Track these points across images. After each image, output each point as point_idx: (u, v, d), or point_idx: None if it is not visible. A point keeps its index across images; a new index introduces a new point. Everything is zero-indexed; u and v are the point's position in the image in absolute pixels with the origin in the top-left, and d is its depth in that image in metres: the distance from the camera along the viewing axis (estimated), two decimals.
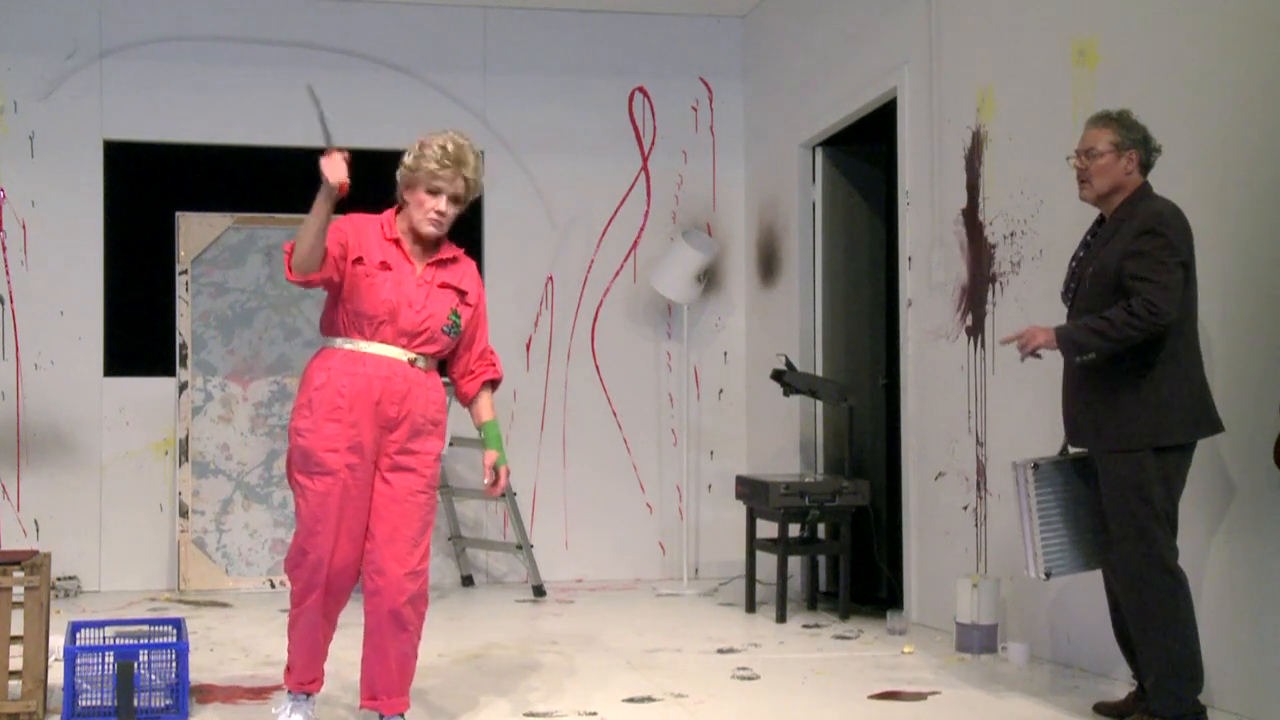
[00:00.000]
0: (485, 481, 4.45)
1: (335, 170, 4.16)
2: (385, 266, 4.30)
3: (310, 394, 4.30)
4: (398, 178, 4.37)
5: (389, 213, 4.42)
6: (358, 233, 4.33)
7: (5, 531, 7.86)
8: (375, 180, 8.88)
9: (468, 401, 4.54)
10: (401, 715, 4.42)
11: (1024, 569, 4.72)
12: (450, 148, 4.28)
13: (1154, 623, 4.33)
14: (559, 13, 8.64)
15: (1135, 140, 4.46)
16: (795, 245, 8.00)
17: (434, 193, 4.29)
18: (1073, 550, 4.68)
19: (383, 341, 4.29)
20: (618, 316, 8.69)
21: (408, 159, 4.33)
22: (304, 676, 4.49)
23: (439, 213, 4.30)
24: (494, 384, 4.56)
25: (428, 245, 4.39)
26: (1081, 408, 4.49)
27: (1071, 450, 4.74)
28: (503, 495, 4.54)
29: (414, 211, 4.32)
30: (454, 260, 4.44)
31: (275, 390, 8.19)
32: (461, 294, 4.41)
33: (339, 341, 4.33)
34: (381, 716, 4.41)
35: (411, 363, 4.32)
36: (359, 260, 4.29)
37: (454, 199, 4.31)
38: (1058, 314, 5.36)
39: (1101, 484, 4.47)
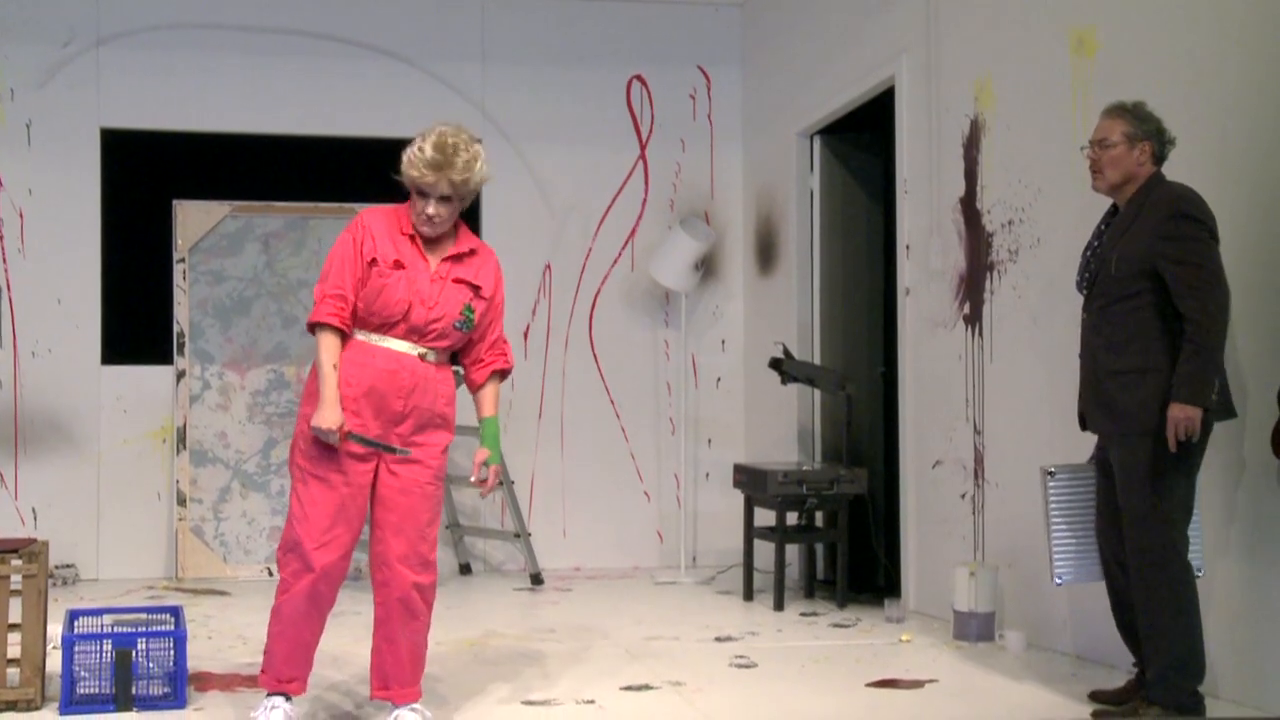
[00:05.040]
0: (472, 479, 4.39)
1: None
2: (399, 265, 4.28)
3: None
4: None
5: (408, 204, 4.37)
6: (372, 237, 4.30)
7: (3, 520, 7.85)
8: (373, 170, 8.89)
9: (475, 389, 4.51)
10: (413, 705, 4.40)
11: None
12: (430, 152, 4.21)
13: (1162, 611, 4.32)
14: (557, 1, 8.62)
15: (1149, 132, 4.47)
16: (793, 234, 7.99)
17: (423, 195, 4.27)
18: (1083, 559, 4.72)
19: (395, 336, 4.29)
20: (615, 305, 8.68)
21: (403, 159, 4.28)
22: (283, 673, 4.34)
23: (429, 215, 4.27)
24: (503, 374, 4.53)
25: (443, 240, 4.37)
26: (1101, 393, 4.48)
27: (1095, 455, 4.75)
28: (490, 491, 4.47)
29: (412, 212, 4.32)
30: (471, 253, 4.40)
31: (273, 378, 8.18)
32: (475, 288, 4.38)
33: (354, 333, 4.31)
34: (394, 706, 4.39)
35: (422, 357, 4.31)
36: (373, 261, 4.27)
37: (444, 199, 4.26)
38: (1054, 303, 5.37)
39: (1116, 471, 4.46)
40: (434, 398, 4.33)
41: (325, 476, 4.26)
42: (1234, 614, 4.64)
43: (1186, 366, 4.23)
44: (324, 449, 4.24)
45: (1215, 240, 4.33)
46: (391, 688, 4.38)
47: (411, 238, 4.34)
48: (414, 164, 4.23)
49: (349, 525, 4.29)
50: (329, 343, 4.25)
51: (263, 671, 4.40)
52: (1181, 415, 4.22)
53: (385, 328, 4.29)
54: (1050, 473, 4.74)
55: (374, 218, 4.35)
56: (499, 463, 4.43)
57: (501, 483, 4.48)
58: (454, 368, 4.47)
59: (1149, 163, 4.48)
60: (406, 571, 4.31)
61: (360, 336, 4.30)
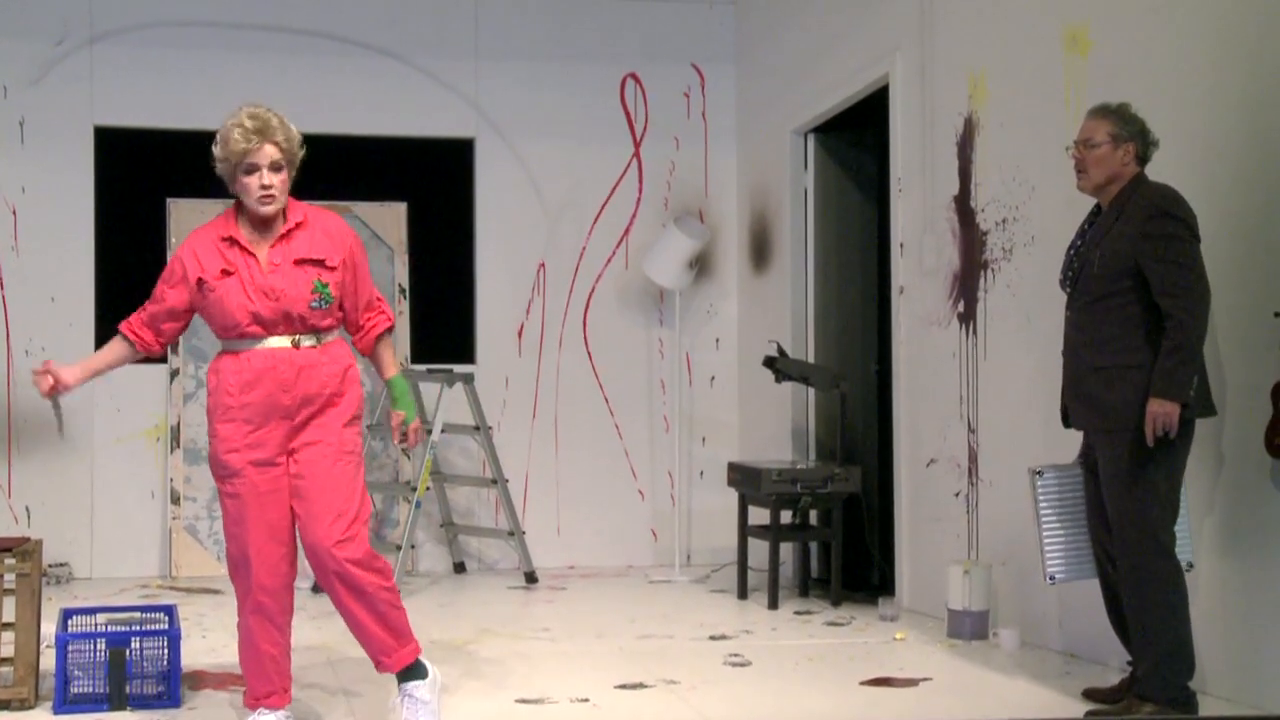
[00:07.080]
0: (395, 442, 4.34)
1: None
2: (227, 273, 4.25)
3: (208, 401, 4.34)
4: (219, 175, 4.29)
5: (228, 211, 4.35)
6: (194, 258, 4.29)
7: None
8: (366, 168, 8.87)
9: (368, 356, 4.46)
10: (412, 664, 4.29)
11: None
12: (248, 122, 4.19)
13: (1151, 607, 4.35)
14: None
15: (1133, 133, 4.51)
16: (787, 232, 8.00)
17: (252, 171, 4.21)
18: (1076, 557, 4.74)
19: (263, 335, 4.25)
20: (610, 303, 8.68)
21: (216, 153, 4.24)
22: (257, 690, 4.31)
23: (264, 186, 4.21)
24: (390, 332, 4.47)
25: (266, 227, 4.29)
26: (1084, 390, 4.51)
27: (1081, 453, 4.76)
28: (408, 448, 4.42)
29: (245, 199, 4.26)
30: (299, 226, 4.30)
31: None
32: (319, 262, 4.28)
33: (222, 346, 4.33)
34: (397, 680, 4.32)
35: (296, 345, 4.26)
36: (200, 282, 4.27)
37: (274, 167, 4.22)
38: (1047, 301, 5.37)
39: (1101, 468, 4.49)
40: (323, 381, 4.26)
41: (235, 492, 4.24)
42: (1216, 610, 4.65)
43: (1166, 362, 4.28)
44: (222, 464, 4.24)
45: (1197, 239, 4.36)
46: (380, 659, 4.30)
47: (232, 241, 4.28)
48: (235, 140, 4.18)
49: (271, 532, 4.24)
50: (110, 344, 4.44)
51: (244, 693, 4.39)
52: (1160, 410, 4.27)
53: (247, 335, 4.26)
54: (1037, 473, 4.77)
55: (194, 238, 4.34)
56: (415, 419, 4.35)
57: (411, 448, 4.42)
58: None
59: (1133, 163, 4.52)
60: (329, 555, 4.18)
61: (231, 348, 4.30)
